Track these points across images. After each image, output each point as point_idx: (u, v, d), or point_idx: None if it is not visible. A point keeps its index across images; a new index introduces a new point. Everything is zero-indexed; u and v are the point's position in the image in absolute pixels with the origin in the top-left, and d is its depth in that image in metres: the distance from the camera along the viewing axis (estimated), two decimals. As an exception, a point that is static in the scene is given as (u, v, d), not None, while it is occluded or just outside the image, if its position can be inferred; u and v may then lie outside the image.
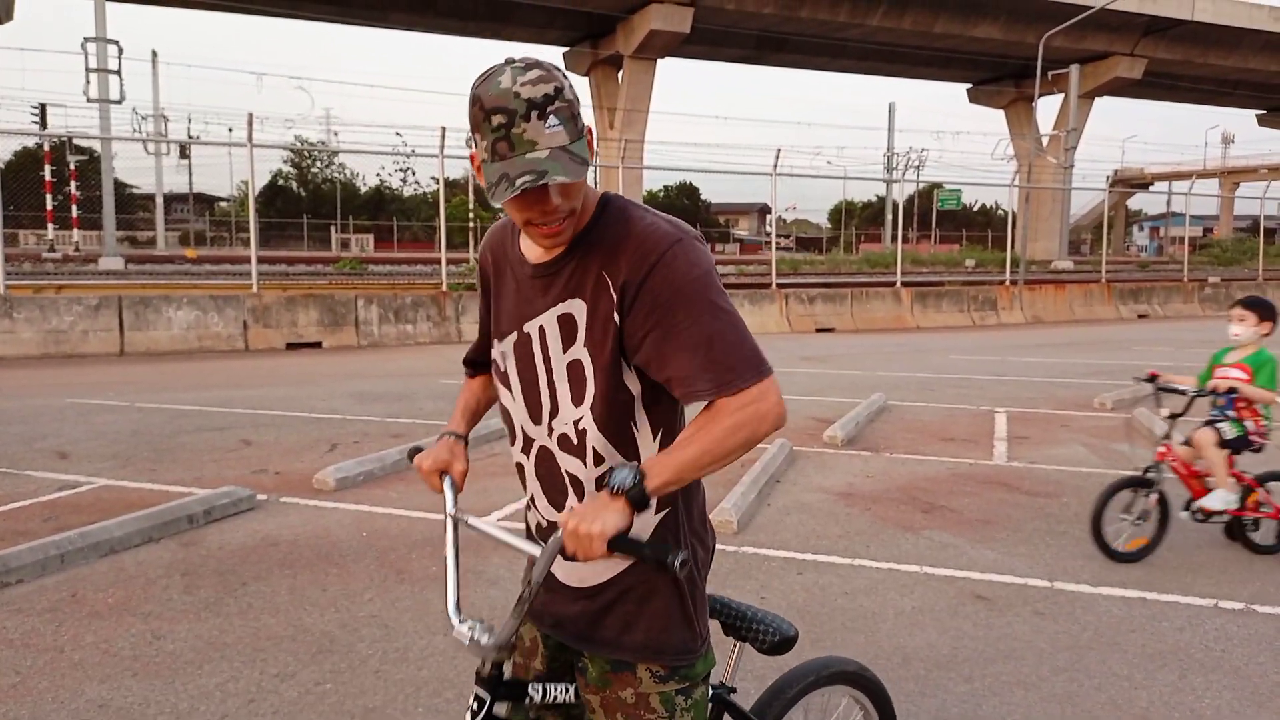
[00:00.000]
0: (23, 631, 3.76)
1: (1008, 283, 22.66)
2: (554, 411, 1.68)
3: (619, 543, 1.44)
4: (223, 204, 64.22)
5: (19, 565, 4.31)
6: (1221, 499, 4.78)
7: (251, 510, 5.51)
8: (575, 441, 1.66)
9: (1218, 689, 3.33)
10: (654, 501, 1.52)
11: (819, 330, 18.91)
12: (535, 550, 1.61)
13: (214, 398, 9.53)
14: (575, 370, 1.63)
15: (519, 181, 1.45)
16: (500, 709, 1.66)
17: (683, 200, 67.63)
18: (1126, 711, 3.15)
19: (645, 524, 1.66)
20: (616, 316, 1.58)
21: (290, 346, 14.25)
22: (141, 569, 4.50)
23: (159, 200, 44.21)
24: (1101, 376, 11.62)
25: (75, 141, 37.40)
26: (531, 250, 1.68)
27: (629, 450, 1.66)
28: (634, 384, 1.63)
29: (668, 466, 1.50)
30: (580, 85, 43.90)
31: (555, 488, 1.72)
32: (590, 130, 1.55)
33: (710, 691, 1.80)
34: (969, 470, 6.73)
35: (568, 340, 1.63)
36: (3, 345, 12.67)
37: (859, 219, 71.76)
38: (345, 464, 6.26)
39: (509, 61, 1.49)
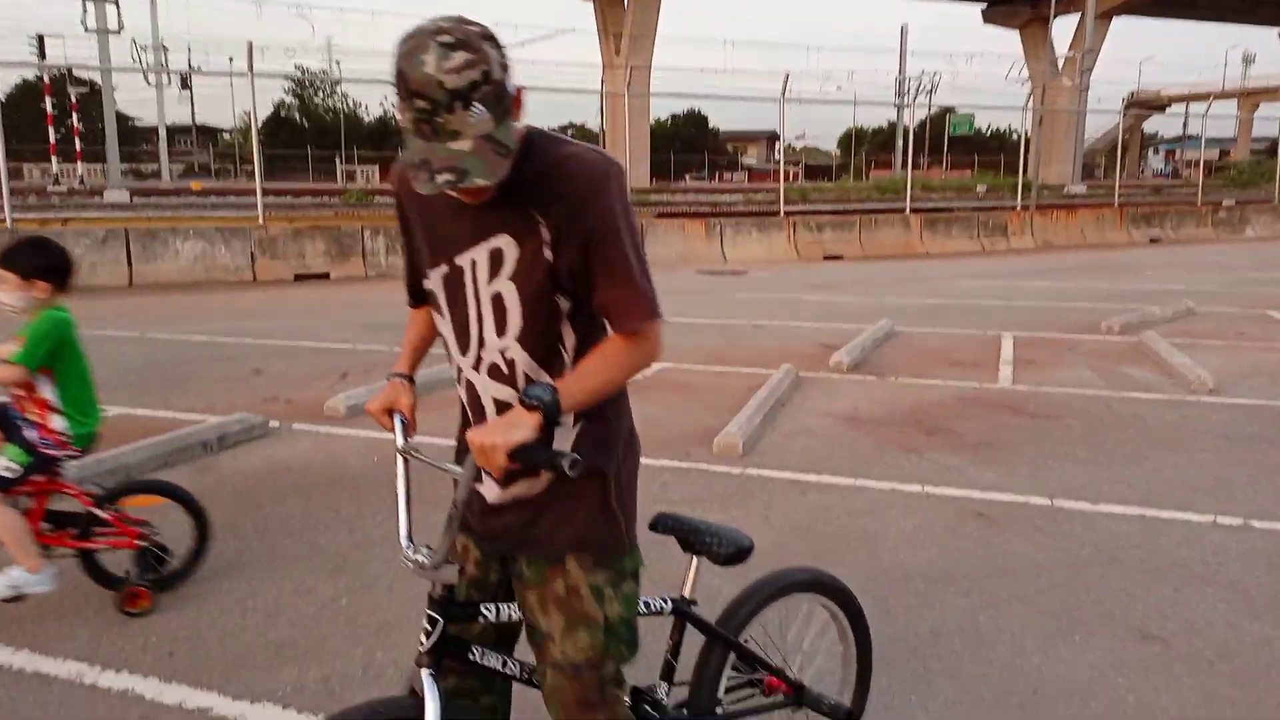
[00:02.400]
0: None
1: (1019, 208, 22.42)
2: (481, 343, 1.73)
3: (519, 452, 1.50)
4: (226, 136, 63.61)
5: (39, 490, 4.40)
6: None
7: (264, 437, 5.60)
8: (505, 371, 1.72)
9: (1213, 601, 3.40)
10: (569, 418, 1.60)
11: (827, 258, 18.80)
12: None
13: (224, 328, 9.59)
14: (498, 303, 1.68)
15: (440, 179, 1.48)
16: (453, 630, 1.72)
17: (690, 129, 66.67)
18: (1121, 623, 3.23)
19: (565, 436, 1.72)
20: (548, 252, 1.63)
21: (298, 278, 14.25)
22: (158, 493, 4.59)
23: (162, 133, 43.79)
24: (1111, 301, 11.57)
25: (75, 74, 36.94)
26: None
27: (557, 370, 1.71)
28: (564, 302, 1.68)
29: (580, 389, 1.60)
30: (585, 11, 42.93)
31: (481, 415, 1.77)
32: (521, 90, 1.54)
33: (638, 588, 1.83)
34: (974, 394, 6.76)
35: (493, 272, 1.67)
36: (12, 279, 12.72)
37: (869, 145, 70.66)
38: (355, 392, 6.33)
39: (435, 32, 1.45)
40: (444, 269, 1.73)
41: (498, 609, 1.80)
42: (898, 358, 8.15)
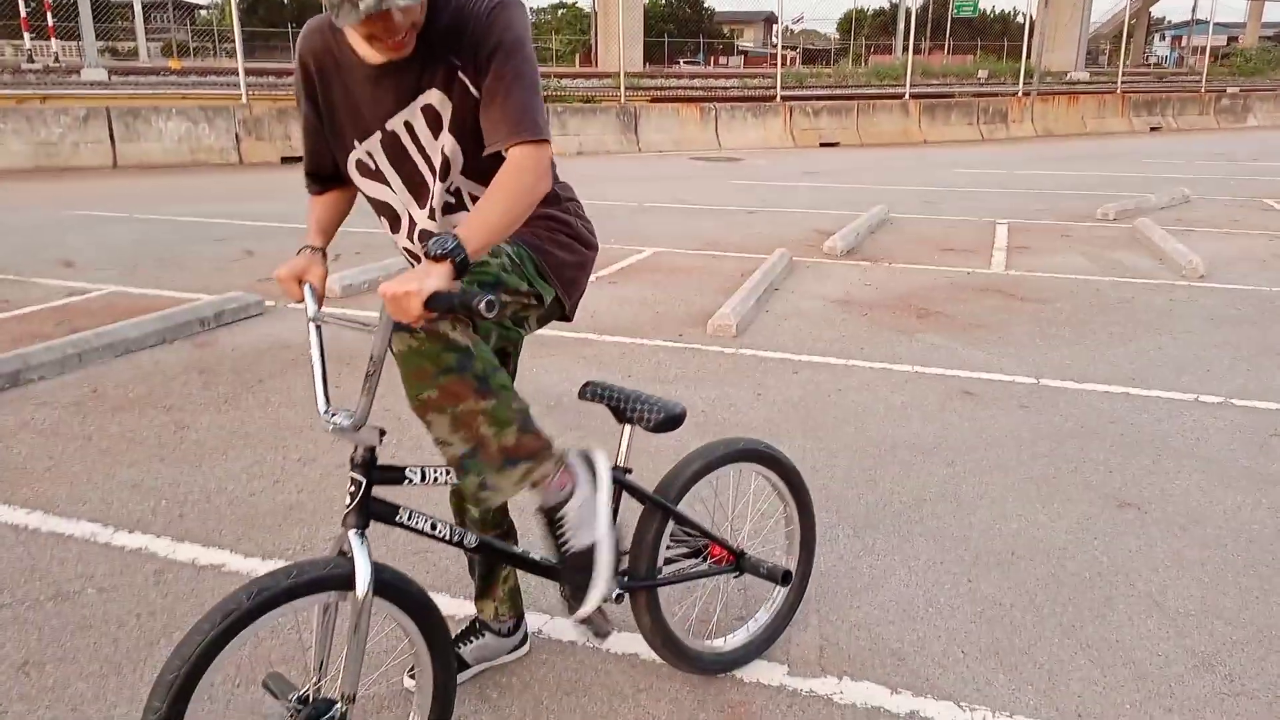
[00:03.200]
0: (50, 422, 3.93)
1: (1020, 94, 21.98)
2: (433, 191, 1.82)
3: (433, 300, 1.48)
4: (203, 12, 61.20)
5: (39, 363, 4.45)
6: None
7: (260, 315, 5.63)
8: (454, 201, 1.83)
9: (1189, 472, 3.52)
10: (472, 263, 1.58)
11: (823, 145, 18.52)
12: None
13: (213, 210, 9.48)
14: (443, 154, 1.78)
15: (363, 6, 1.51)
16: (378, 492, 1.72)
17: (686, 8, 64.45)
18: (1098, 491, 3.35)
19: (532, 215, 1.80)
20: (474, 90, 1.71)
21: (285, 160, 13.99)
22: (159, 367, 4.65)
23: (137, 7, 42.10)
24: (1108, 189, 11.49)
25: (42, -58, 35.17)
26: (367, 53, 1.72)
27: None
28: None
29: (482, 229, 1.59)
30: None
31: None
32: None
33: (525, 303, 1.86)
34: (966, 279, 6.79)
35: (435, 128, 1.76)
36: (-7, 158, 12.46)
37: (869, 28, 68.58)
38: (348, 272, 6.33)
39: None
40: (377, 136, 1.79)
41: (421, 472, 1.79)
42: (892, 244, 8.15)
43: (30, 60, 28.45)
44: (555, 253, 1.90)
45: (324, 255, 1.92)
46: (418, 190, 1.83)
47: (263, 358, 4.82)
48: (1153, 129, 22.25)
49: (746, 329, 5.43)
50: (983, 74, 35.25)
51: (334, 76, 1.79)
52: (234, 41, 14.95)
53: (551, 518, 1.87)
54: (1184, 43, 68.16)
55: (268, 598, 1.57)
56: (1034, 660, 2.38)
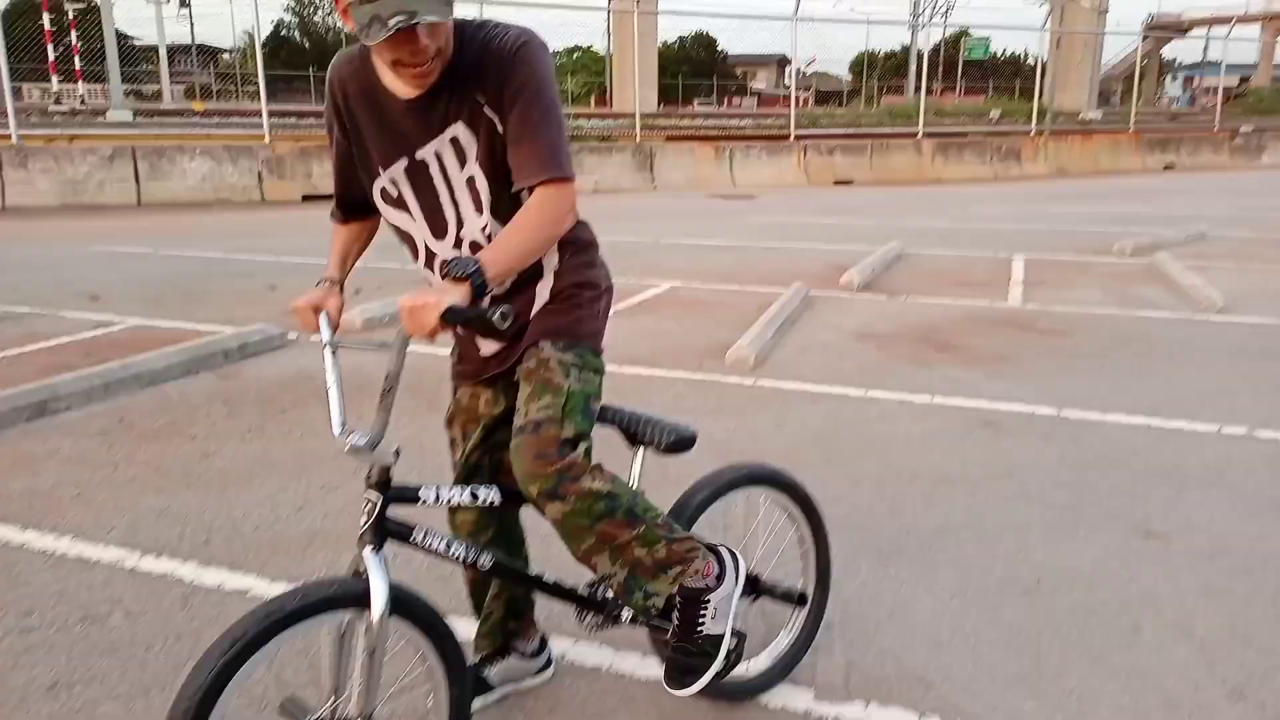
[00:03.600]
0: (77, 451, 3.98)
1: (1033, 133, 22.10)
2: (459, 224, 1.86)
3: (450, 313, 1.55)
4: (226, 56, 62.41)
5: (67, 393, 4.51)
6: None
7: (283, 347, 5.69)
8: (486, 244, 1.84)
9: (1213, 502, 3.50)
10: (492, 288, 1.68)
11: (837, 183, 18.64)
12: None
13: (236, 246, 9.62)
14: (472, 186, 1.82)
15: (391, 22, 1.55)
16: (392, 511, 1.75)
17: (699, 51, 65.32)
18: (1123, 520, 3.33)
19: (552, 265, 1.92)
20: (500, 126, 1.76)
21: (306, 198, 14.19)
22: (184, 398, 4.70)
23: (162, 51, 43.01)
24: (1124, 225, 11.51)
25: (71, -12, 36.09)
26: (399, 87, 1.78)
27: None
28: None
29: (503, 256, 1.69)
30: (592, -76, 41.67)
31: None
32: None
33: (599, 385, 1.94)
34: (984, 312, 6.80)
35: (461, 160, 1.80)
36: (21, 195, 12.71)
37: (881, 70, 69.23)
38: (370, 305, 6.40)
39: None
40: (404, 163, 1.84)
41: (437, 492, 1.84)
42: (908, 278, 8.18)
43: (58, 102, 29.05)
44: (592, 325, 1.98)
45: (340, 288, 1.98)
46: (436, 221, 1.87)
47: (286, 389, 4.87)
48: (1166, 167, 22.29)
49: (765, 361, 5.45)
50: (995, 114, 35.44)
51: (362, 105, 1.85)
52: (255, 84, 15.26)
53: (694, 600, 1.94)
54: (1196, 84, 68.47)
55: (275, 620, 1.56)
56: (1062, 687, 2.36)
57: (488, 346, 1.99)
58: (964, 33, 56.87)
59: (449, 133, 1.78)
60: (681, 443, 2.07)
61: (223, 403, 4.63)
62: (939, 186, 18.20)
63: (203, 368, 5.18)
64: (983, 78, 62.61)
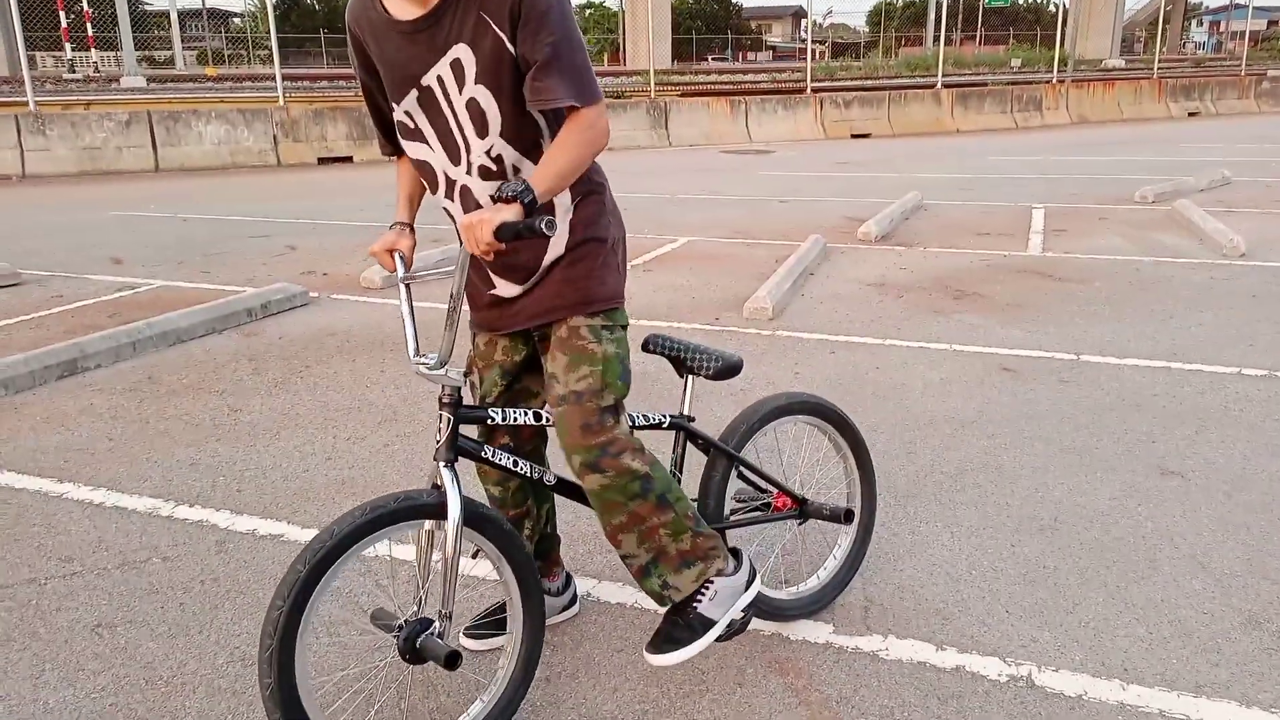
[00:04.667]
0: (109, 406, 4.06)
1: (1054, 81, 21.73)
2: (467, 148, 1.86)
3: (502, 228, 1.65)
4: (237, 20, 62.04)
5: (95, 352, 4.59)
6: None
7: (305, 306, 5.75)
8: (495, 168, 1.86)
9: (1232, 441, 3.51)
10: (565, 208, 1.82)
11: (854, 136, 18.45)
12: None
13: (253, 209, 9.67)
14: (474, 107, 1.81)
15: None
16: (465, 430, 1.87)
17: (713, 5, 64.34)
18: (1141, 460, 3.35)
19: (563, 219, 1.93)
20: (510, 46, 1.75)
21: (321, 161, 14.22)
22: (210, 355, 4.78)
23: (174, 16, 42.84)
24: (1146, 173, 11.36)
25: (81, -45, 35.87)
26: (398, 8, 1.78)
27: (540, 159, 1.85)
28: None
29: (547, 177, 1.74)
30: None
31: None
32: None
33: (627, 338, 1.99)
34: (1002, 261, 6.77)
35: (460, 81, 1.80)
36: (40, 163, 12.79)
37: (899, 20, 68.02)
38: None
39: None
40: (414, 92, 1.85)
41: (504, 413, 1.96)
42: (926, 229, 8.13)
43: (71, 70, 29.06)
44: (613, 282, 2.01)
45: (411, 229, 2.04)
46: (450, 146, 1.87)
47: (309, 345, 4.93)
48: (1191, 114, 21.90)
49: (783, 312, 5.46)
50: (1016, 63, 34.83)
51: (375, 38, 1.85)
52: (268, 48, 15.20)
53: (701, 578, 2.01)
54: (1222, 28, 66.85)
55: (378, 515, 1.73)
56: (1079, 619, 2.40)
57: (505, 288, 2.00)
58: (984, -20, 55.66)
59: (450, 54, 1.77)
60: (728, 369, 2.14)
61: (248, 359, 4.70)
62: (958, 137, 17.98)
63: (227, 326, 5.25)
64: (1003, 26, 61.41)
